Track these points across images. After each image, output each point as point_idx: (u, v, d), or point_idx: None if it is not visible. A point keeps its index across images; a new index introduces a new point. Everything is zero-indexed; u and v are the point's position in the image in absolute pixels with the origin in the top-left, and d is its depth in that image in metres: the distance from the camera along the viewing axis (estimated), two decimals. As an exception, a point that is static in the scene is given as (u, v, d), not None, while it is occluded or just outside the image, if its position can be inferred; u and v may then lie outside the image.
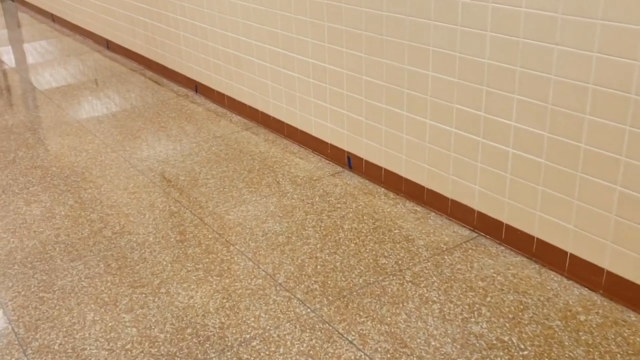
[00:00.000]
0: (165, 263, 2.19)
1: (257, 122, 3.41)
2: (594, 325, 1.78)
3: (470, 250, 2.14)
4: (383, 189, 2.60)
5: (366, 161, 2.68)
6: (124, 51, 4.80)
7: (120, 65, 4.63)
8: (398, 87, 2.39)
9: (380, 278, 2.03)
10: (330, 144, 2.88)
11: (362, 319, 1.85)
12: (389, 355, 1.70)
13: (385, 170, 2.58)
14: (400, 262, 2.10)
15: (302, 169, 2.84)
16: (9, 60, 4.91)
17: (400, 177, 2.51)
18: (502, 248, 2.14)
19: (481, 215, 2.21)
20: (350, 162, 2.78)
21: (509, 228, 2.13)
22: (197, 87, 3.92)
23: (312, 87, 2.86)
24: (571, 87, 1.83)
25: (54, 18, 6.24)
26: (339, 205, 2.50)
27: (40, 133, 3.42)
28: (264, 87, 3.24)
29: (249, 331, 1.84)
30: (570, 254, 1.95)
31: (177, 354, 1.77)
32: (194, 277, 2.11)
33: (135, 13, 4.39)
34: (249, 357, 1.74)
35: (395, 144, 2.50)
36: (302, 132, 3.05)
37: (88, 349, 1.81)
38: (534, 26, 1.87)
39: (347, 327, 1.82)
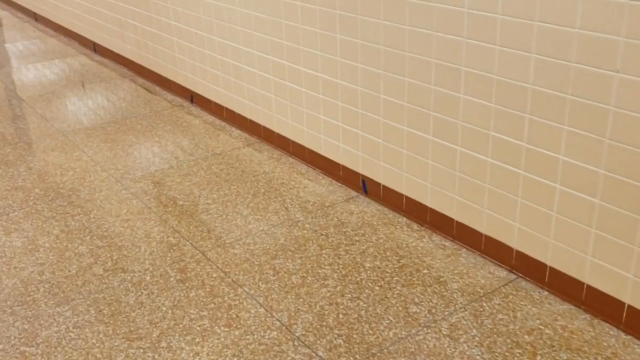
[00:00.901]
0: (165, 309, 1.94)
1: (259, 138, 3.15)
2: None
3: (510, 296, 1.91)
4: (405, 219, 2.37)
5: (384, 186, 2.44)
6: (113, 55, 4.51)
7: (109, 70, 4.34)
8: (423, 108, 2.16)
9: (414, 331, 1.79)
10: (343, 166, 2.64)
11: (394, 382, 1.62)
12: None
13: (407, 198, 2.35)
14: (433, 310, 1.87)
15: (312, 193, 2.60)
16: (-11, 63, 4.61)
17: (425, 207, 2.28)
18: (546, 293, 1.92)
19: (521, 255, 1.99)
20: (365, 186, 2.55)
21: (554, 271, 1.91)
22: (193, 97, 3.65)
23: (321, 103, 2.62)
24: (634, 120, 1.61)
25: (36, 17, 5.92)
26: (357, 238, 2.26)
27: (21, 148, 3.14)
28: (266, 101, 2.99)
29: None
30: (629, 306, 1.74)
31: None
32: (198, 328, 1.85)
33: (124, 15, 4.11)
34: None
35: (419, 170, 2.27)
36: (310, 150, 2.80)
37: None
38: (590, 50, 1.65)
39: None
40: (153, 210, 2.50)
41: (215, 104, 3.44)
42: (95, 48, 4.76)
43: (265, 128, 3.08)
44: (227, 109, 3.35)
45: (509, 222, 1.98)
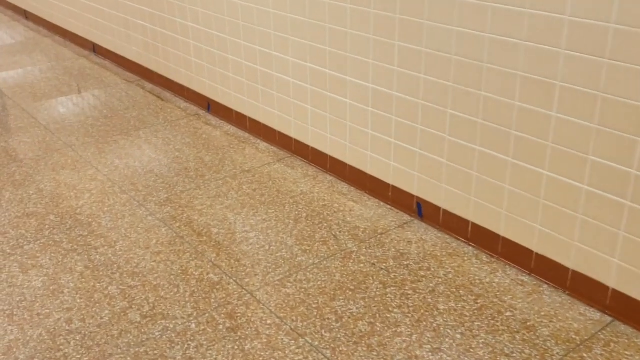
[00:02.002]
0: (219, 365, 1.70)
1: (290, 152, 2.90)
2: None
3: (612, 344, 1.70)
4: (472, 248, 2.14)
5: (446, 211, 2.21)
6: (116, 58, 4.20)
7: (112, 75, 4.04)
8: (502, 127, 1.92)
9: (514, 392, 1.58)
10: (393, 186, 2.40)
11: None
12: None
13: (475, 225, 2.12)
14: (530, 364, 1.65)
15: (361, 217, 2.35)
16: (-20, 66, 4.28)
17: (497, 236, 2.05)
18: (652, 340, 1.72)
19: (618, 295, 1.77)
20: (421, 210, 2.31)
21: (662, 315, 1.70)
22: (210, 106, 3.38)
23: (370, 116, 2.38)
24: None
25: (27, 15, 5.57)
26: (422, 273, 2.03)
27: (28, 166, 2.85)
28: (301, 112, 2.74)
29: None
30: None
31: None
32: (262, 390, 1.62)
33: (131, 15, 3.82)
34: None
35: (492, 195, 2.03)
36: (353, 168, 2.56)
37: None
38: None
39: None
40: (186, 240, 2.25)
41: (238, 113, 3.17)
42: (95, 49, 4.45)
43: (297, 142, 2.82)
44: (251, 120, 3.09)
45: (606, 257, 1.76)
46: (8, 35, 5.03)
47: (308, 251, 2.15)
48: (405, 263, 2.07)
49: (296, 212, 2.40)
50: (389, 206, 2.42)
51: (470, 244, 2.15)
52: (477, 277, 1.98)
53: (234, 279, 2.02)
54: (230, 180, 2.66)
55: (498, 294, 1.90)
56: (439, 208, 2.23)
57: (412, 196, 2.32)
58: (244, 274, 2.05)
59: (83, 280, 2.04)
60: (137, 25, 3.80)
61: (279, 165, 2.79)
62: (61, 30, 4.91)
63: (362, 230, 2.27)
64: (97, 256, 2.17)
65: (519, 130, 1.88)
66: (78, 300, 1.95)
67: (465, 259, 2.08)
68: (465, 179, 2.10)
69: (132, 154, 2.93)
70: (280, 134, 2.92)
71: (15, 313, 1.90)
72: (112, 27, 4.10)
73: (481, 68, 1.92)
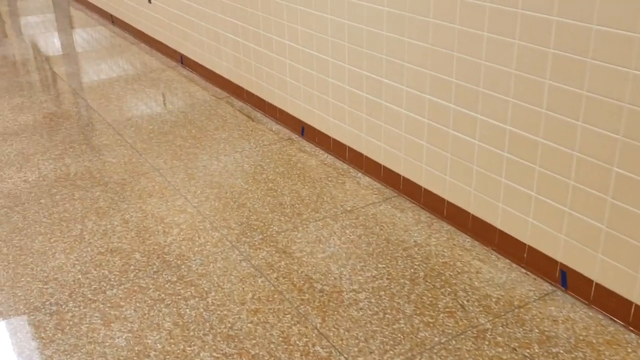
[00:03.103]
0: None
1: (397, 190, 2.57)
2: None
3: None
4: (635, 336, 1.75)
5: (599, 286, 1.83)
6: (204, 71, 3.99)
7: (201, 89, 3.84)
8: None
9: None
10: (530, 247, 2.03)
11: None
12: None
13: (643, 310, 1.74)
14: None
15: (491, 283, 1.98)
16: (64, 74, 4.17)
17: (676, 329, 1.67)
18: None
19: None
20: (565, 279, 1.94)
21: None
22: (304, 130, 3.11)
23: (506, 162, 2.02)
24: None
25: (113, 20, 5.50)
26: (578, 367, 1.67)
27: (113, 190, 2.65)
28: (414, 148, 2.40)
29: None
30: None
31: None
32: None
33: (223, 29, 3.60)
34: None
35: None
36: (478, 219, 2.21)
37: None
38: None
39: None
40: (285, 296, 1.96)
41: (336, 141, 2.88)
42: (183, 61, 4.28)
43: (407, 180, 2.50)
44: (351, 149, 2.78)
45: None
46: (94, 40, 4.95)
47: (432, 325, 1.82)
48: (554, 351, 1.70)
49: (412, 270, 2.07)
50: (523, 270, 2.05)
51: (632, 329, 1.76)
52: (650, 381, 1.60)
53: (346, 355, 1.72)
54: (330, 221, 2.37)
55: (684, 408, 1.52)
56: (590, 281, 1.85)
57: (555, 262, 1.95)
58: (356, 349, 1.73)
59: (172, 341, 1.79)
60: (228, 40, 3.58)
61: (385, 206, 2.47)
62: (148, 37, 4.78)
63: (494, 300, 1.91)
64: (187, 310, 1.91)
65: None
66: (167, 368, 1.70)
67: (629, 350, 1.69)
68: (629, 250, 1.71)
69: (223, 182, 2.69)
70: (386, 169, 2.60)
71: (96, 378, 1.67)
72: (201, 39, 3.90)
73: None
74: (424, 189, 2.41)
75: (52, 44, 4.90)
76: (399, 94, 2.40)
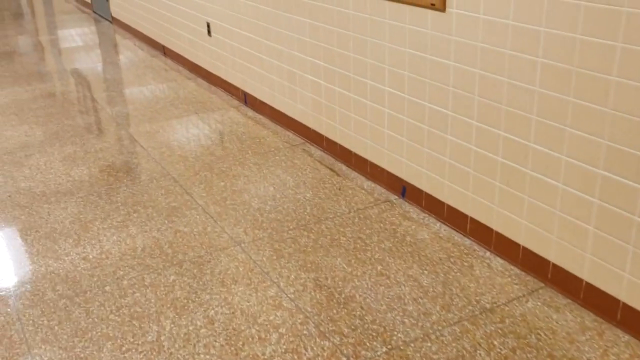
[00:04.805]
0: None
1: (544, 280, 2.03)
2: None
3: None
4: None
5: None
6: (272, 112, 3.53)
7: (271, 134, 3.40)
8: None
9: None
10: None
11: None
12: None
13: None
14: None
15: None
16: (116, 115, 3.74)
17: None
18: None
19: None
20: None
21: None
22: (406, 190, 2.64)
23: None
24: None
25: (165, 51, 5.12)
26: None
27: (189, 273, 2.17)
28: (573, 230, 1.88)
29: None
30: None
31: None
32: None
33: (300, 68, 3.14)
34: None
35: None
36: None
37: None
38: None
39: None
40: None
41: (453, 209, 2.39)
42: (246, 100, 3.85)
43: (559, 268, 1.97)
44: (475, 221, 2.29)
45: None
46: (146, 75, 4.55)
47: None
48: None
49: (599, 408, 1.57)
50: None
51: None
52: None
53: None
54: (470, 326, 1.87)
55: None
56: None
57: None
58: None
59: None
60: (306, 81, 3.13)
61: (533, 302, 1.96)
62: (205, 72, 4.37)
63: None
64: None
65: None
66: None
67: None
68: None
69: (319, 262, 2.20)
70: (528, 251, 2.09)
71: None
72: (270, 77, 3.46)
73: None
74: (585, 282, 1.90)
75: (99, 78, 4.52)
76: (551, 163, 1.92)
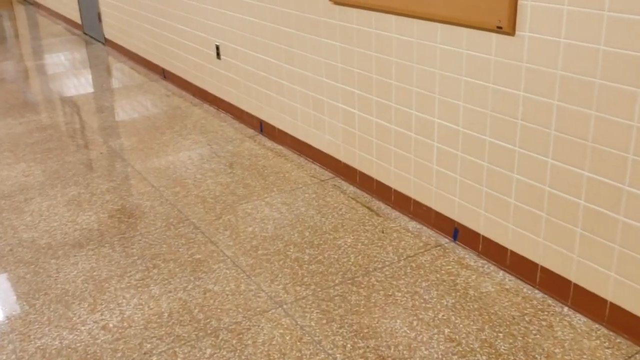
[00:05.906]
0: None
1: (637, 340, 1.85)
2: None
3: None
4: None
5: None
6: (295, 144, 3.24)
7: (295, 167, 3.10)
8: None
9: None
10: None
11: None
12: None
13: None
14: None
15: None
16: (121, 150, 3.42)
17: None
18: None
19: None
20: None
21: None
22: (458, 232, 2.37)
23: None
24: None
25: (165, 75, 4.83)
26: None
27: (227, 345, 1.84)
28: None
29: None
30: None
31: None
32: None
33: (329, 96, 2.85)
34: None
35: None
36: None
37: None
38: None
39: None
40: None
41: (518, 256, 2.10)
42: (262, 128, 3.58)
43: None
44: (545, 270, 2.03)
45: None
46: (149, 102, 4.24)
47: None
48: None
49: None
50: None
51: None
52: None
53: None
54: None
55: None
56: None
57: None
58: None
59: None
60: (336, 109, 2.85)
61: (635, 372, 1.72)
62: (213, 97, 4.07)
63: None
64: None
65: None
66: None
67: None
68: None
69: (378, 328, 1.90)
70: (616, 307, 1.81)
71: None
72: (292, 105, 3.18)
73: None
74: (699, 349, 1.66)
75: (97, 107, 4.20)
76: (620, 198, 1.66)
